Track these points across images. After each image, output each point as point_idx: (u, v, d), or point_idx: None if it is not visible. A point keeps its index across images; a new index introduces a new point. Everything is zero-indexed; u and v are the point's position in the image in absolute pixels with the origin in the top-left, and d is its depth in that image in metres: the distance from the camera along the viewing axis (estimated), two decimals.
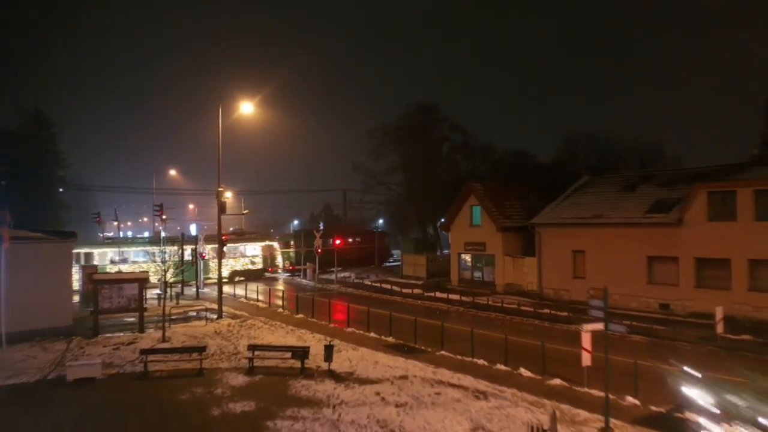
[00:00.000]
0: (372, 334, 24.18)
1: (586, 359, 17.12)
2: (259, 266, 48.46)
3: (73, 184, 64.01)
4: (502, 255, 37.82)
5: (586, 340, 17.17)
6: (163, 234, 38.88)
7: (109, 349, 21.31)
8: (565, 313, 29.11)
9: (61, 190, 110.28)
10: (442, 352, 21.04)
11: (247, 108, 28.37)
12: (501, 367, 18.88)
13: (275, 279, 50.00)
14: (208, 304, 32.16)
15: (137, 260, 42.06)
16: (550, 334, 25.14)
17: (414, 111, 52.43)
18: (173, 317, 28.68)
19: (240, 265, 47.02)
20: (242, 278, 45.38)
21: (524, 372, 18.21)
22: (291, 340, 22.92)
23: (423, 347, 21.97)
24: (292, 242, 53.41)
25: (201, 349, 19.13)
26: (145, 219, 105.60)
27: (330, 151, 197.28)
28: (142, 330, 24.57)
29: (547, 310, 29.82)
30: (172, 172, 60.86)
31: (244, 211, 35.03)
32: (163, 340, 22.42)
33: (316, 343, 22.34)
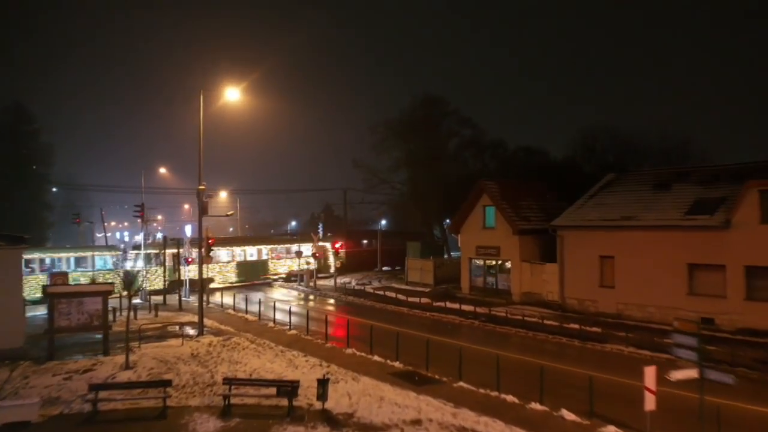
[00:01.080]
0: (376, 358, 20.55)
1: (650, 402, 13.51)
2: (314, 266, 48.02)
3: (59, 182, 60.39)
4: (519, 260, 34.17)
5: (650, 378, 13.54)
6: (159, 236, 36.33)
7: (59, 379, 17.71)
8: (596, 329, 25.50)
9: (54, 189, 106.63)
10: (461, 384, 17.40)
11: (232, 94, 24.80)
12: (536, 406, 15.24)
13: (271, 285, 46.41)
14: (190, 317, 28.64)
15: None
16: (583, 356, 21.60)
17: (420, 104, 48.76)
18: (148, 334, 25.13)
19: (297, 265, 47.00)
20: (296, 279, 46.23)
21: (567, 414, 14.56)
22: (280, 366, 19.31)
23: (437, 376, 18.36)
24: (341, 243, 52.16)
25: (165, 384, 15.52)
26: (140, 221, 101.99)
27: (331, 149, 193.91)
28: (106, 352, 20.97)
29: (574, 325, 26.19)
30: (162, 170, 57.20)
31: (228, 213, 31.53)
32: (126, 366, 18.81)
33: (309, 370, 18.78)
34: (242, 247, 44.62)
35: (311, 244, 48.41)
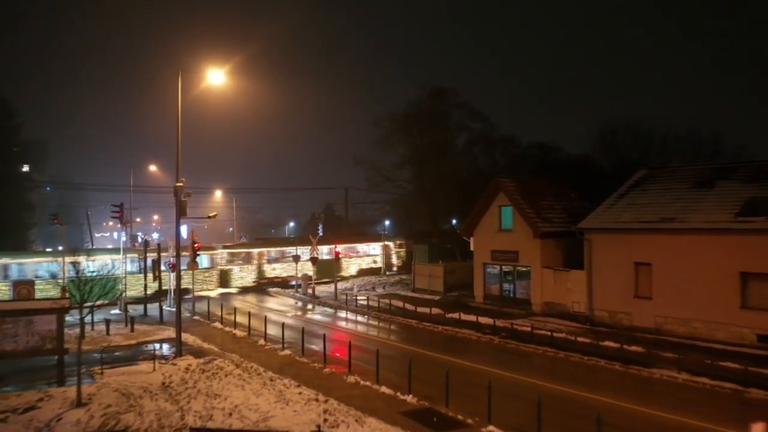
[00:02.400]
0: (383, 389, 17.06)
1: None
2: (380, 265, 50.97)
3: (42, 181, 56.85)
4: (540, 267, 30.69)
5: None
6: (156, 236, 33.44)
7: None
8: (636, 348, 22.03)
9: (49, 189, 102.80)
10: (491, 429, 13.90)
11: (216, 77, 21.37)
12: None
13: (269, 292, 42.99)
14: (170, 332, 25.15)
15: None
16: (628, 385, 18.15)
17: (427, 95, 45.11)
18: (117, 354, 21.75)
19: (365, 263, 50.08)
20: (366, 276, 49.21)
21: None
22: (266, 401, 15.84)
23: (460, 416, 14.85)
24: (398, 242, 54.93)
25: None
26: (138, 219, 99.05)
27: (333, 146, 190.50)
28: (61, 381, 17.54)
29: (611, 343, 22.73)
30: (153, 168, 53.81)
31: (211, 214, 28.13)
32: (78, 403, 15.33)
33: (302, 407, 15.31)
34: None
35: (378, 244, 50.54)
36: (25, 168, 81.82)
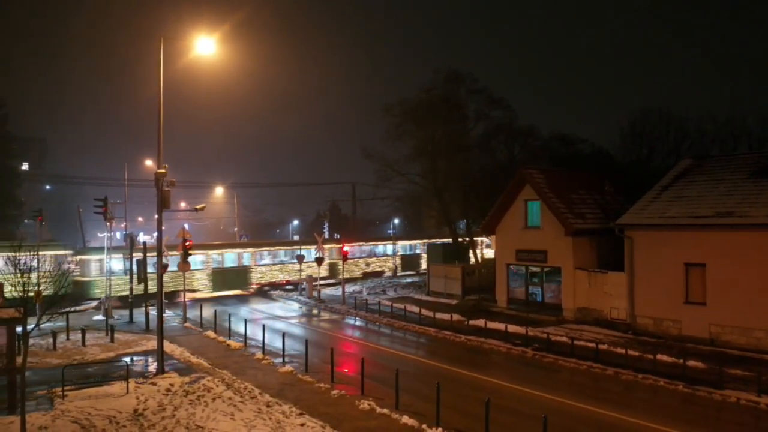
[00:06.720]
0: (405, 420, 13.84)
1: None
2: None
3: (31, 174, 53.79)
4: (573, 268, 27.40)
5: None
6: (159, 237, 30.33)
7: None
8: (696, 364, 18.74)
9: (47, 187, 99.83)
10: None
11: (204, 46, 18.21)
12: None
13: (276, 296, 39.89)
14: (155, 343, 22.00)
15: None
16: (703, 415, 14.90)
17: (443, 80, 41.59)
18: (90, 369, 18.64)
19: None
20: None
21: None
22: None
23: None
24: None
25: None
26: (140, 219, 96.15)
27: (338, 139, 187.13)
28: (12, 407, 14.40)
29: (664, 357, 19.43)
30: (149, 162, 50.65)
31: (198, 206, 24.96)
32: None
33: None
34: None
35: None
36: (25, 166, 79.15)
